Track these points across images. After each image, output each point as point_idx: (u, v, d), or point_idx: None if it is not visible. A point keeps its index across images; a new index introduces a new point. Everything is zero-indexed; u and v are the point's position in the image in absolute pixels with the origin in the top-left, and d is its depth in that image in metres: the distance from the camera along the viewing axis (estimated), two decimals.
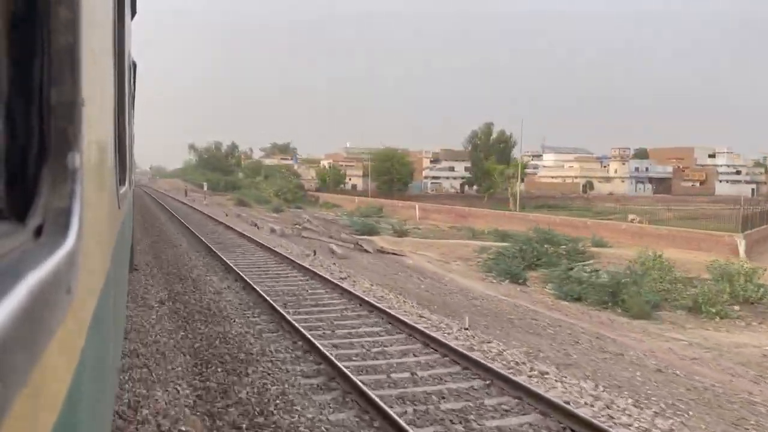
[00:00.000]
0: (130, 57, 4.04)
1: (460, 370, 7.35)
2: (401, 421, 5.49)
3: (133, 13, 4.50)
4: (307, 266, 14.74)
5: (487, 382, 6.95)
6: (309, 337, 8.13)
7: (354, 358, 7.68)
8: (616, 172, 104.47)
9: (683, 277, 22.48)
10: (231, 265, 14.38)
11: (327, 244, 24.01)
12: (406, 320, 9.44)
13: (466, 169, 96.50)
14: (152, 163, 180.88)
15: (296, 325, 8.75)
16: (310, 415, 5.78)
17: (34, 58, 0.76)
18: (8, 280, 0.57)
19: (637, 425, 6.19)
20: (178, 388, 6.45)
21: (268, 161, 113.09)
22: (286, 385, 6.57)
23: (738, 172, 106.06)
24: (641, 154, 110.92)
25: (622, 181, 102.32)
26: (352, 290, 11.86)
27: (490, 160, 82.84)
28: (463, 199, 79.81)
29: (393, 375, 7.12)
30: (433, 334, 8.70)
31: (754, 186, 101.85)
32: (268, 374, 6.90)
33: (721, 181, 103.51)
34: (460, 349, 7.90)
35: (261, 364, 7.22)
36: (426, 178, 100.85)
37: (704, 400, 8.09)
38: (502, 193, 79.75)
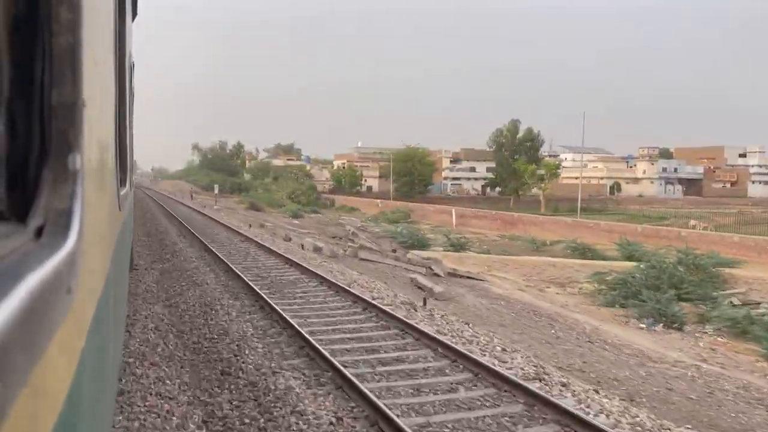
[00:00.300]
0: (130, 58, 4.05)
1: None
2: None
3: (134, 14, 4.50)
4: (434, 335, 8.44)
5: None
6: None
7: None
8: (644, 172, 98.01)
9: None
10: (313, 342, 7.65)
11: (402, 272, 18.10)
12: None
13: (488, 169, 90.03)
14: (154, 165, 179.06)
15: None
16: None
17: (34, 60, 0.77)
18: (9, 280, 0.57)
19: None
20: None
21: (276, 162, 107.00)
22: None
23: None
24: (665, 154, 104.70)
25: (651, 183, 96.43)
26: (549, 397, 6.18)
27: (519, 159, 75.89)
28: (487, 202, 74.01)
29: None
30: None
31: None
32: None
33: (753, 182, 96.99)
34: None
35: None
36: (445, 179, 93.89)
37: None
38: (528, 195, 75.39)
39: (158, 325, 8.92)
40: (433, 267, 19.85)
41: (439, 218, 54.42)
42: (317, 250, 20.08)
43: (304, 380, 6.60)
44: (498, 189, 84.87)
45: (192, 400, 6.06)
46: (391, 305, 10.54)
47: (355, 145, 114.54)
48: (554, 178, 74.56)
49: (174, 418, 5.54)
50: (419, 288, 15.42)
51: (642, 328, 15.28)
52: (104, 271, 1.48)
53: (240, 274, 12.67)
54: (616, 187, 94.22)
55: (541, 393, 6.23)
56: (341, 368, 6.61)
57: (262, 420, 5.54)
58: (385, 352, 7.84)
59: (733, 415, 8.09)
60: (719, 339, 15.05)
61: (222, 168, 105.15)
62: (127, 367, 6.75)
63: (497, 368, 7.03)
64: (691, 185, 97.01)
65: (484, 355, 7.96)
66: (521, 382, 6.54)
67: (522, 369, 7.49)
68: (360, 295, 10.93)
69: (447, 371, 7.12)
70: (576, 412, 5.82)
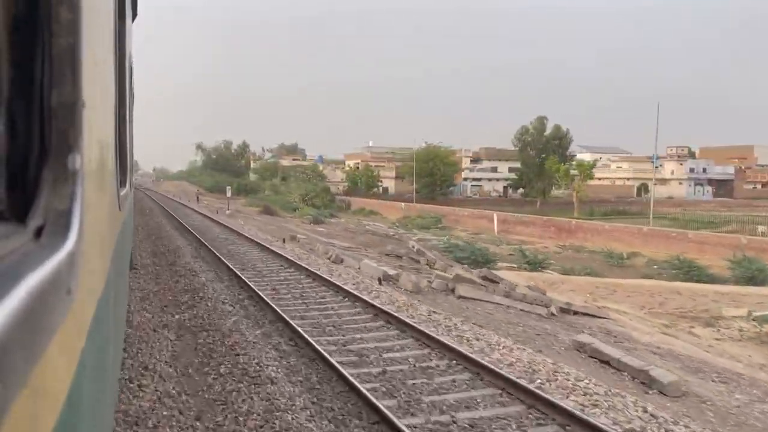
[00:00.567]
0: (130, 58, 4.05)
1: None
2: None
3: (134, 14, 4.50)
4: None
5: None
6: None
7: None
8: (672, 173, 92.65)
9: None
10: None
11: (527, 318, 12.67)
12: None
13: (511, 169, 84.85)
14: (155, 165, 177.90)
15: None
16: None
17: (34, 60, 0.77)
18: (9, 280, 0.57)
19: None
20: None
21: (283, 162, 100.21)
22: None
23: None
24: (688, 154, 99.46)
25: (680, 184, 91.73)
26: None
27: (551, 158, 69.76)
28: (511, 204, 68.04)
29: None
30: None
31: None
32: None
33: None
34: None
35: None
36: (465, 179, 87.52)
37: None
38: (553, 198, 71.04)
39: None
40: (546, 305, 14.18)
41: (476, 224, 47.94)
42: (388, 279, 14.05)
43: None
44: (520, 190, 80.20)
45: None
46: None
47: (365, 144, 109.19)
48: (588, 179, 68.12)
49: None
50: (602, 362, 8.92)
51: None
52: (104, 272, 1.48)
53: (327, 356, 7.13)
54: (643, 189, 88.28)
55: None
56: None
57: None
58: None
59: None
60: None
61: (226, 168, 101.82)
62: None
63: None
64: (721, 186, 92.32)
65: None
66: None
67: None
68: (552, 400, 5.90)
69: None
70: None
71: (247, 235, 21.62)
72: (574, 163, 70.32)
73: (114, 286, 1.96)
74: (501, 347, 8.44)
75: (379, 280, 13.74)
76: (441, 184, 74.55)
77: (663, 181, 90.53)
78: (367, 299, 10.59)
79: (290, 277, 13.21)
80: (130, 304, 9.24)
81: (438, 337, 8.24)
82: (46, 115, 0.78)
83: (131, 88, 4.89)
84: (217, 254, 15.71)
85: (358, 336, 8.58)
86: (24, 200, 0.75)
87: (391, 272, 15.03)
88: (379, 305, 10.12)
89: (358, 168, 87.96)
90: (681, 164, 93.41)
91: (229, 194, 43.47)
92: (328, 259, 17.13)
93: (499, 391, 6.39)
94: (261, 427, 5.35)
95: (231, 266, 13.81)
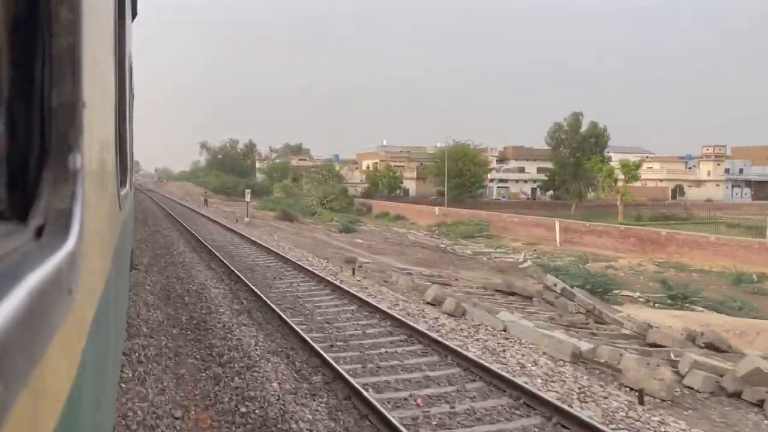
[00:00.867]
0: (130, 58, 4.05)
1: None
2: None
3: (134, 14, 4.51)
4: None
5: None
6: None
7: None
8: (709, 174, 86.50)
9: None
10: None
11: None
12: None
13: (539, 170, 78.94)
14: (157, 165, 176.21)
15: None
16: None
17: (35, 60, 0.77)
18: (9, 280, 0.57)
19: None
20: None
21: (294, 162, 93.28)
22: None
23: None
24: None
25: (717, 185, 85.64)
26: None
27: (594, 158, 63.53)
28: (544, 208, 63.38)
29: None
30: None
31: None
32: None
33: None
34: None
35: None
36: (491, 180, 79.93)
37: None
38: (588, 201, 65.86)
39: None
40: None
41: (530, 233, 41.14)
42: (585, 360, 8.49)
43: None
44: (549, 192, 75.00)
45: None
46: None
47: (379, 143, 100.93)
48: (633, 180, 60.80)
49: None
50: None
51: None
52: (105, 272, 1.48)
53: None
54: (678, 191, 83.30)
55: None
56: None
57: None
58: None
59: None
60: None
61: (233, 168, 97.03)
62: None
63: None
64: (760, 188, 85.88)
65: None
66: None
67: None
68: None
69: None
70: None
71: (292, 258, 15.87)
72: (617, 162, 63.07)
73: (114, 286, 1.96)
74: None
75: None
76: (470, 186, 68.57)
77: (697, 183, 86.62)
78: None
79: (409, 363, 7.54)
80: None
81: None
82: (47, 115, 0.78)
83: (131, 88, 4.89)
84: (275, 308, 9.67)
85: None
86: (24, 200, 0.75)
87: (583, 347, 8.84)
88: None
89: (376, 168, 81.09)
90: (718, 165, 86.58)
91: (248, 198, 36.62)
92: (434, 305, 11.51)
93: None
94: None
95: (295, 327, 8.55)
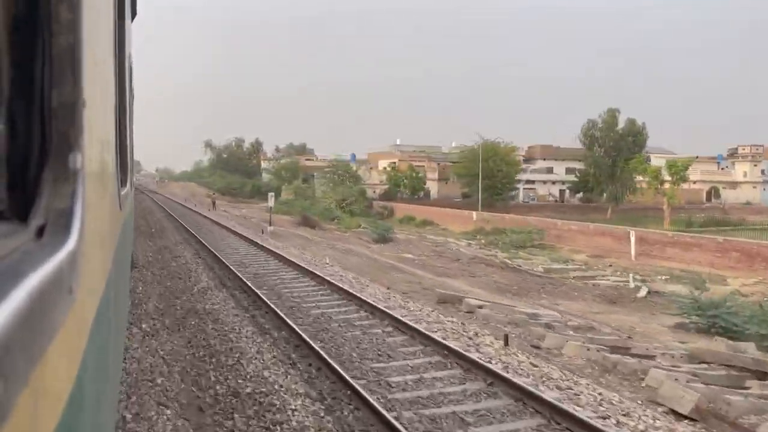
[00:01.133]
0: (130, 58, 4.05)
1: None
2: None
3: (134, 14, 4.51)
4: None
5: None
6: None
7: None
8: (745, 175, 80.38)
9: None
10: None
11: None
12: None
13: (568, 170, 74.55)
14: (158, 165, 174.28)
15: None
16: None
17: (35, 60, 0.77)
18: (10, 280, 0.57)
19: None
20: None
21: (306, 162, 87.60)
22: None
23: None
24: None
25: (754, 187, 79.58)
26: None
27: (638, 157, 58.79)
28: (575, 211, 57.95)
29: None
30: None
31: None
32: None
33: None
34: None
35: None
36: (518, 182, 74.40)
37: None
38: (621, 203, 60.93)
39: None
40: None
41: (593, 243, 34.62)
42: None
43: None
44: (579, 194, 70.71)
45: None
46: None
47: (391, 142, 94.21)
48: (681, 182, 54.90)
49: None
50: None
51: None
52: (105, 271, 1.48)
53: None
54: (713, 193, 77.28)
55: None
56: None
57: None
58: None
59: None
60: None
61: (237, 168, 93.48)
62: None
63: None
64: None
65: None
66: None
67: None
68: None
69: None
70: None
71: (369, 300, 11.05)
72: (660, 162, 58.57)
73: (115, 285, 1.96)
74: None
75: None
76: (501, 187, 63.26)
77: (732, 185, 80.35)
78: None
79: None
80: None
81: None
82: (47, 115, 0.78)
83: (131, 88, 4.89)
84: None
85: None
86: (25, 200, 0.75)
87: None
88: None
89: (393, 168, 75.90)
90: (755, 165, 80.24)
91: (271, 203, 30.08)
92: (693, 420, 6.77)
93: None
94: None
95: None
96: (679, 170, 53.78)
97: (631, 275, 25.22)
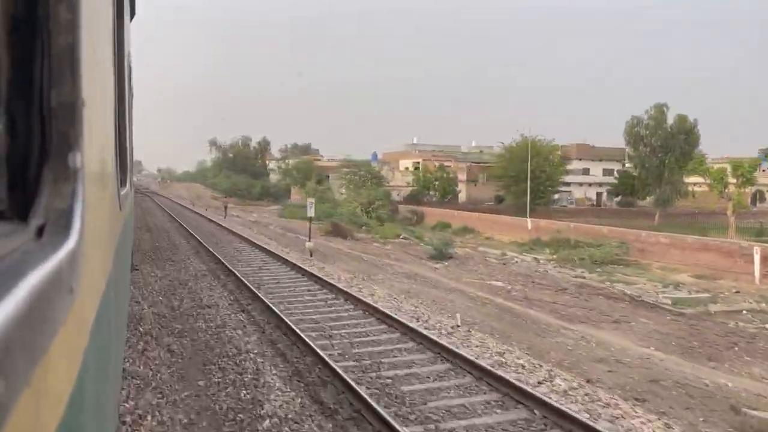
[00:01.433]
0: (129, 58, 4.05)
1: None
2: None
3: (132, 14, 4.51)
4: None
5: None
6: None
7: None
8: None
9: None
10: None
11: None
12: None
13: (605, 171, 70.10)
14: (160, 165, 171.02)
15: None
16: None
17: (34, 60, 0.77)
18: (10, 280, 0.57)
19: None
20: None
21: (322, 163, 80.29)
22: None
23: None
24: None
25: None
26: None
27: (698, 158, 52.19)
28: (617, 216, 51.26)
29: None
30: None
31: None
32: None
33: None
34: None
35: None
36: (562, 184, 67.75)
37: None
38: (666, 207, 54.73)
39: None
40: None
41: (693, 259, 28.06)
42: None
43: None
44: (617, 198, 65.88)
45: None
46: None
47: (410, 141, 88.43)
48: (748, 185, 48.48)
49: None
50: None
51: None
52: (106, 271, 1.48)
53: None
54: (759, 196, 69.10)
55: None
56: None
57: None
58: None
59: None
60: None
61: (244, 168, 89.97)
62: None
63: None
64: None
65: None
66: None
67: None
68: None
69: None
70: None
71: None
72: (727, 163, 50.90)
73: (115, 285, 1.96)
74: None
75: None
76: (544, 190, 56.83)
77: None
78: None
79: None
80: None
81: None
82: (46, 115, 0.78)
83: (131, 88, 4.89)
84: None
85: None
86: (25, 199, 0.75)
87: None
88: None
89: (417, 168, 70.11)
90: None
91: (311, 213, 22.27)
92: None
93: None
94: None
95: None
96: (746, 172, 46.80)
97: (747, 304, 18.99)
